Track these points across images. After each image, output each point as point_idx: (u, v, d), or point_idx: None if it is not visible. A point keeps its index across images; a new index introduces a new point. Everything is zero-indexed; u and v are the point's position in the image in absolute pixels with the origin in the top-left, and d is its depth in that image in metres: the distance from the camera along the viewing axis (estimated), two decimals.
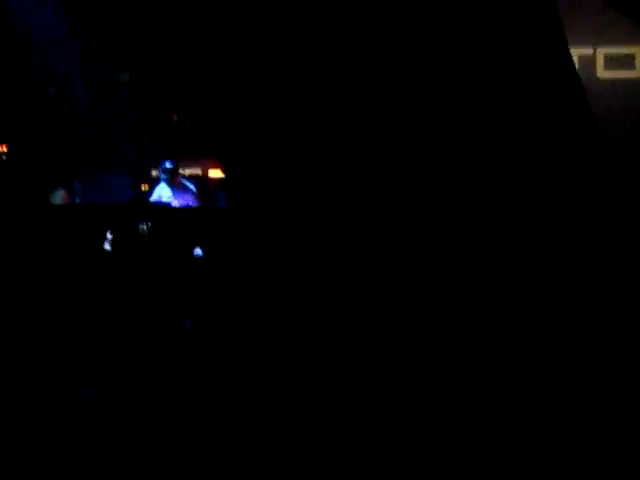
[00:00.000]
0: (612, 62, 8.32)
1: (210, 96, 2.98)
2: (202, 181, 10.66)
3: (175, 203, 9.51)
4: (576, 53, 7.46)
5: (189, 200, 9.64)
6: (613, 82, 8.38)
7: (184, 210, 9.19)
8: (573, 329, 2.64)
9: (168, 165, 9.78)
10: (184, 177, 10.29)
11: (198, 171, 11.00)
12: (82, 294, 6.01)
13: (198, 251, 7.53)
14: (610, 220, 2.65)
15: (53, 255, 6.68)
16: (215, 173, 10.56)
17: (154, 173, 10.71)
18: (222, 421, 2.89)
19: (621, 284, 2.65)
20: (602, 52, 8.45)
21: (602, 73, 8.50)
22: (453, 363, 2.65)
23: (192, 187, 9.77)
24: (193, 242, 7.56)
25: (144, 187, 10.38)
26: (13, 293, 5.56)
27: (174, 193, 9.62)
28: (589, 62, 8.29)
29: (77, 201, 10.10)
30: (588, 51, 8.38)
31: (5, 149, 10.88)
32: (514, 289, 2.65)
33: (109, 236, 7.71)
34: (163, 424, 3.57)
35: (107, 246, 7.65)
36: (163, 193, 9.66)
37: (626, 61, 8.27)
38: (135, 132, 11.22)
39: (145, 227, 7.68)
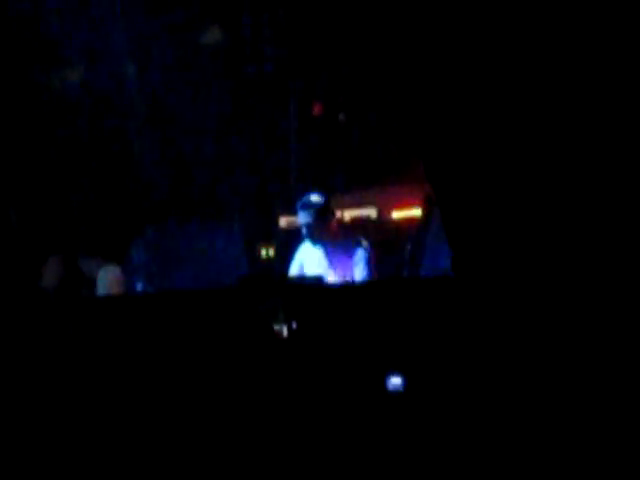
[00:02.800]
0: None
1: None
2: (377, 229, 8.42)
3: (331, 277, 6.72)
4: None
5: (360, 267, 6.82)
6: None
7: (355, 290, 6.31)
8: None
9: (314, 200, 6.76)
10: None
11: (370, 211, 8.66)
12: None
13: (396, 381, 5.11)
14: None
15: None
16: (403, 213, 8.44)
17: (284, 223, 8.36)
18: None
19: None
20: None
21: None
22: None
23: (363, 242, 6.83)
24: (385, 364, 5.19)
25: (265, 252, 8.08)
26: None
27: (329, 254, 6.77)
28: None
29: (139, 286, 8.09)
30: None
31: None
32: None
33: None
34: None
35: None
36: (307, 257, 6.85)
37: None
38: (241, 144, 8.56)
39: (285, 330, 5.40)
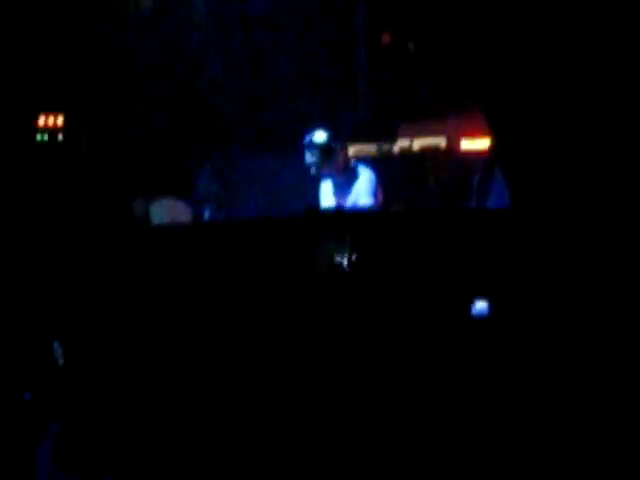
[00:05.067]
0: None
1: None
2: (446, 158, 8.30)
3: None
4: None
5: (363, 194, 7.00)
6: None
7: (418, 220, 5.89)
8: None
9: (318, 139, 6.94)
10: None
11: (439, 140, 8.42)
12: None
13: (481, 305, 5.01)
14: None
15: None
16: (472, 143, 8.18)
17: (353, 151, 8.00)
18: None
19: None
20: None
21: None
22: None
23: (367, 171, 7.01)
24: (470, 289, 5.09)
25: None
26: None
27: (337, 186, 7.02)
28: None
29: (207, 214, 7.96)
30: None
31: (60, 122, 7.84)
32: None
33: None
34: None
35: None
36: (323, 189, 7.17)
37: None
38: (311, 74, 8.50)
39: (346, 261, 5.34)
